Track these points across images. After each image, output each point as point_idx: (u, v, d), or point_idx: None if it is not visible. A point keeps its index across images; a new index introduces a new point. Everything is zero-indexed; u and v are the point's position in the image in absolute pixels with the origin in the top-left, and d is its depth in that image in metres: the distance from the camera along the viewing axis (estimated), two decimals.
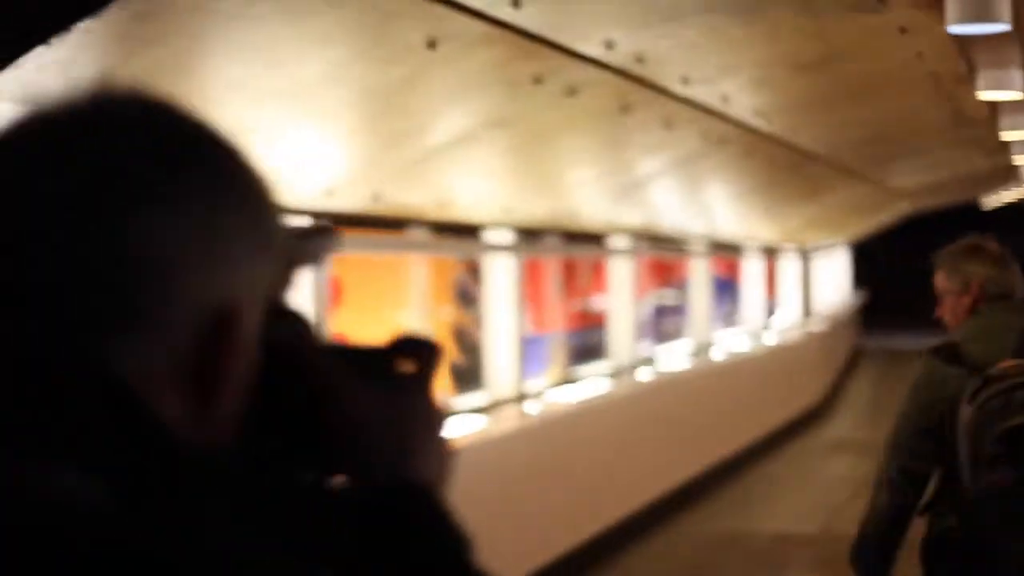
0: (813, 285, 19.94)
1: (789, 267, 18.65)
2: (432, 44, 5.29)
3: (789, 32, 7.02)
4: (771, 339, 16.22)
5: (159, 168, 0.97)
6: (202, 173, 0.99)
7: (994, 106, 11.29)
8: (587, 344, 11.31)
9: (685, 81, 7.42)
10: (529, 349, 9.51)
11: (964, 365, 4.20)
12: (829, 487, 12.10)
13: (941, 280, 4.51)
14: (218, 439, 1.00)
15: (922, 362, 4.36)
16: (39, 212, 0.95)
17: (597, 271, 11.55)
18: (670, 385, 11.95)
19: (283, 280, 1.10)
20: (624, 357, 11.32)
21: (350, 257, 7.48)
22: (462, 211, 8.23)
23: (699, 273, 13.89)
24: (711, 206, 12.53)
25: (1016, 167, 17.05)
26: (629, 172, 9.49)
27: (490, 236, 8.97)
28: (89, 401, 0.93)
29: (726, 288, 15.65)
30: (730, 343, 14.70)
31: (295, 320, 1.11)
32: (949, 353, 4.29)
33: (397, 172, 6.84)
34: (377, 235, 7.75)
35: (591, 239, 11.08)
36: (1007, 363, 4.04)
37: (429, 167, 6.91)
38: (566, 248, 10.56)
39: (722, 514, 10.97)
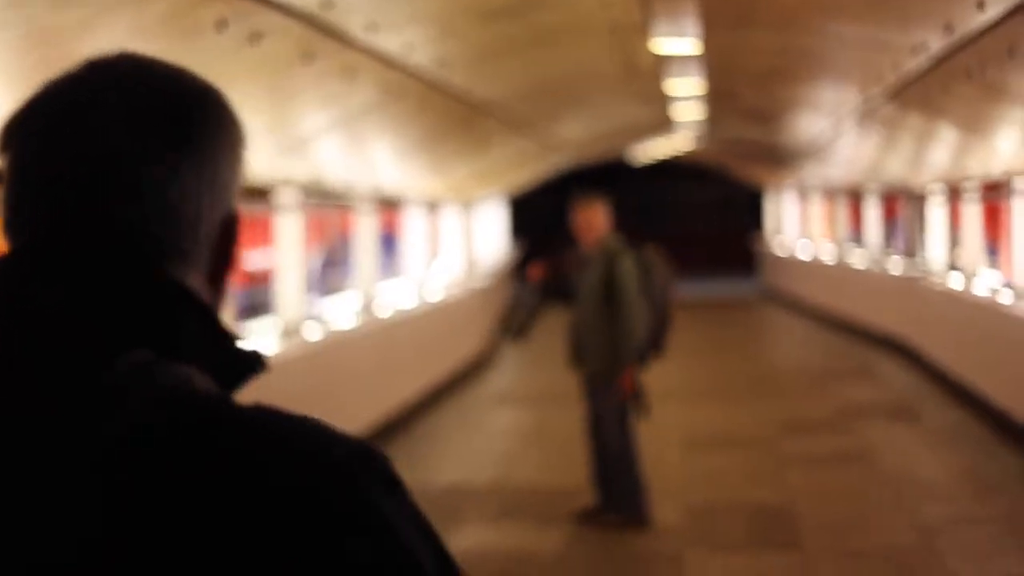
0: (474, 237, 19.98)
1: (452, 220, 18.62)
2: None
3: None
4: (434, 292, 16.14)
5: (178, 123, 1.29)
6: (205, 118, 1.31)
7: (661, 59, 11.43)
8: (252, 303, 10.98)
9: (371, 28, 7.14)
10: None
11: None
12: (496, 438, 12.12)
13: (590, 218, 8.32)
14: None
15: (626, 255, 8.43)
16: (106, 164, 1.26)
17: (256, 227, 11.09)
18: (337, 343, 11.67)
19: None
20: (292, 314, 10.95)
21: None
22: None
23: (365, 227, 13.65)
24: (380, 160, 12.28)
25: (671, 119, 17.43)
26: (303, 124, 9.15)
27: None
28: (183, 313, 1.25)
29: (389, 242, 15.48)
30: (395, 297, 14.53)
31: None
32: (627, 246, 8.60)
33: None
34: None
35: (257, 194, 10.61)
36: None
37: None
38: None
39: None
